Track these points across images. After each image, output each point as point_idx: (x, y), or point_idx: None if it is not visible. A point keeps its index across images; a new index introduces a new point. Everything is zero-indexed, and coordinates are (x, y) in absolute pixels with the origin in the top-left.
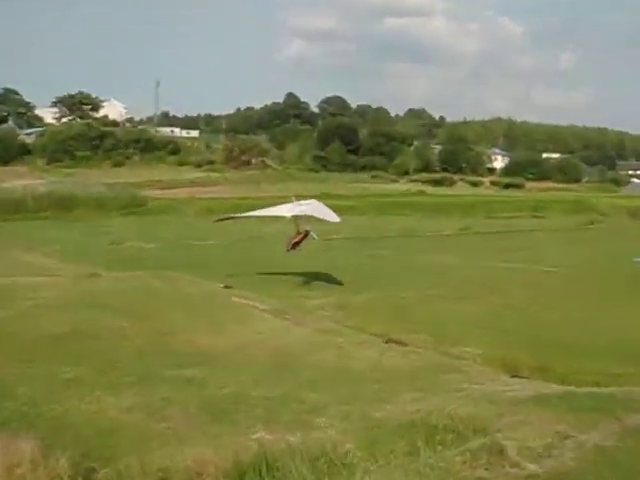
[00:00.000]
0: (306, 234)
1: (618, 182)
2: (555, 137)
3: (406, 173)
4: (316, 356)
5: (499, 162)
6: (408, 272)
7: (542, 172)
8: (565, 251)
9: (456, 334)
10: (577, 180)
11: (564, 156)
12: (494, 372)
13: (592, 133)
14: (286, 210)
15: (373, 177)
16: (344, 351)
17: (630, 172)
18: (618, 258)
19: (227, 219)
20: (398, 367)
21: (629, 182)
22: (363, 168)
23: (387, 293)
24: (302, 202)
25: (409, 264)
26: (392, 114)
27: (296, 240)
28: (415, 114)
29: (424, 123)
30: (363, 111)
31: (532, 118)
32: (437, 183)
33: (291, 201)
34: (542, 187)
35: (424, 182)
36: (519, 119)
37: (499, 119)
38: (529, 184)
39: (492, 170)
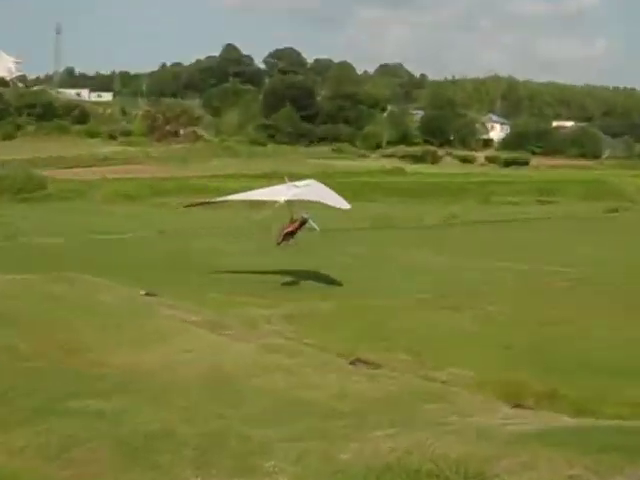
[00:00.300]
0: (302, 223)
1: None
2: (568, 100)
3: (378, 146)
4: (262, 381)
5: (497, 132)
6: (382, 274)
7: (552, 145)
8: (580, 247)
9: (441, 352)
10: (596, 155)
11: (580, 124)
12: (490, 400)
13: (615, 95)
14: (278, 193)
15: (335, 151)
16: (298, 375)
17: None
18: None
19: (201, 204)
20: (368, 395)
21: None
22: (322, 140)
23: (355, 301)
24: (297, 183)
25: (382, 264)
26: (359, 71)
27: (289, 230)
28: (389, 71)
29: (401, 83)
30: (322, 67)
31: (538, 76)
32: (418, 159)
33: (284, 182)
34: (552, 164)
35: (401, 158)
36: (521, 77)
37: (496, 77)
38: (535, 160)
39: (488, 142)
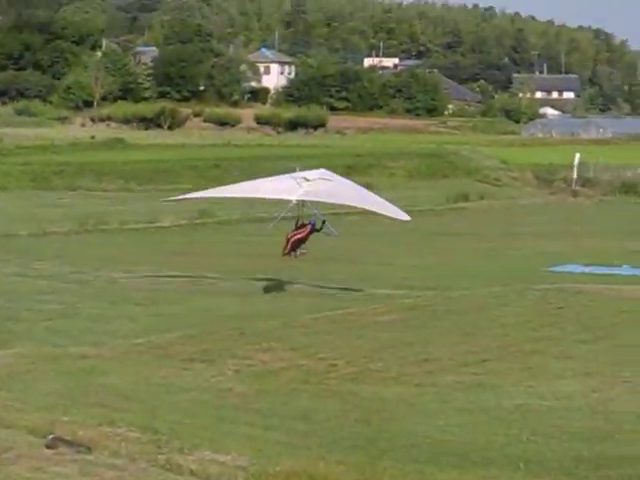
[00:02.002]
0: (312, 229)
1: (514, 115)
2: (388, 25)
3: (88, 105)
4: None
5: (274, 77)
6: (82, 302)
7: (364, 96)
8: (402, 259)
9: (189, 424)
10: (435, 112)
11: (408, 63)
12: None
13: (464, 19)
14: (286, 190)
15: (20, 113)
16: None
17: (537, 93)
18: (519, 267)
19: (185, 199)
20: None
21: (533, 118)
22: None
23: (51, 346)
24: (308, 174)
25: (83, 286)
26: None
27: (298, 236)
28: None
29: (127, 3)
30: None
31: None
32: (150, 124)
33: (293, 171)
34: (364, 126)
35: (123, 122)
36: None
37: None
38: (337, 120)
39: (261, 94)
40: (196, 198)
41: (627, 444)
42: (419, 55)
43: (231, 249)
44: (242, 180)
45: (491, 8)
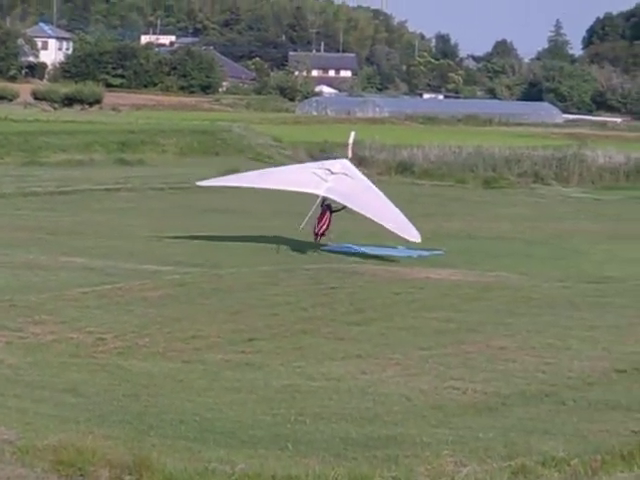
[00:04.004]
0: (329, 210)
1: (290, 93)
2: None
3: None
4: None
5: (52, 53)
6: None
7: (140, 73)
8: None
9: None
10: (207, 87)
11: (179, 41)
12: None
13: None
14: (312, 184)
15: None
16: None
17: (314, 72)
18: (293, 246)
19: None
20: None
21: (309, 96)
22: None
23: None
24: (330, 165)
25: None
26: None
27: (324, 227)
28: None
29: None
30: None
31: None
32: None
33: (319, 162)
34: (139, 103)
35: None
36: None
37: None
38: (113, 97)
39: (38, 69)
40: (222, 185)
41: (395, 425)
42: (196, 33)
43: (4, 222)
44: (18, 153)
45: None
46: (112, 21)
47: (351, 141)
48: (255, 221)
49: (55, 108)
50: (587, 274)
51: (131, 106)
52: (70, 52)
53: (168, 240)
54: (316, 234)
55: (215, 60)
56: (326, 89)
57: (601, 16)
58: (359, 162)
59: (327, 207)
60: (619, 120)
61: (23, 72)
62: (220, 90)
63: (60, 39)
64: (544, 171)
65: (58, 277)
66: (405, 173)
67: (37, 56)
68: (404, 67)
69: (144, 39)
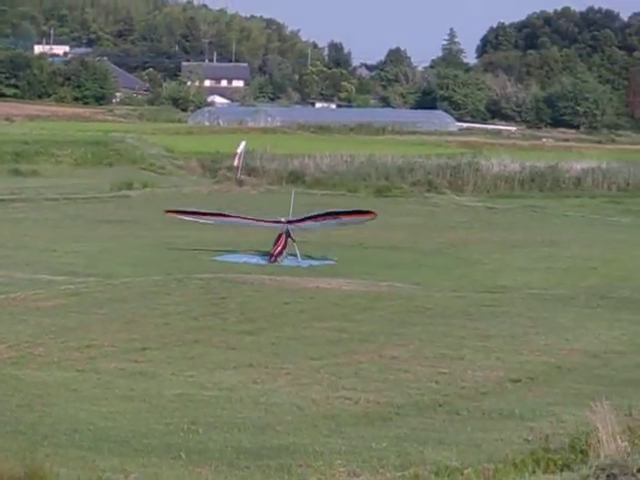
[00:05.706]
0: (287, 235)
1: (182, 104)
2: (55, 7)
3: None
4: None
5: None
6: None
7: (34, 84)
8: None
9: None
10: (101, 98)
11: (73, 51)
12: None
13: (133, 3)
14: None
15: None
16: None
17: (206, 82)
18: (183, 256)
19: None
20: None
21: (201, 106)
22: None
23: None
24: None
25: None
26: None
27: (279, 249)
28: None
29: None
30: None
31: None
32: None
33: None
34: (28, 113)
35: None
36: None
37: None
38: (3, 105)
39: None
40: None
41: (287, 435)
42: (90, 43)
43: None
44: None
45: None
46: (3, 30)
47: (240, 150)
48: (147, 231)
49: None
50: (481, 283)
51: (25, 117)
52: None
53: (62, 250)
54: (271, 255)
55: (109, 71)
56: (218, 99)
57: (494, 25)
58: (250, 172)
59: (287, 232)
60: (514, 129)
61: None
62: (114, 101)
63: None
64: (438, 180)
65: None
66: (296, 183)
67: None
68: (296, 76)
69: (37, 49)
